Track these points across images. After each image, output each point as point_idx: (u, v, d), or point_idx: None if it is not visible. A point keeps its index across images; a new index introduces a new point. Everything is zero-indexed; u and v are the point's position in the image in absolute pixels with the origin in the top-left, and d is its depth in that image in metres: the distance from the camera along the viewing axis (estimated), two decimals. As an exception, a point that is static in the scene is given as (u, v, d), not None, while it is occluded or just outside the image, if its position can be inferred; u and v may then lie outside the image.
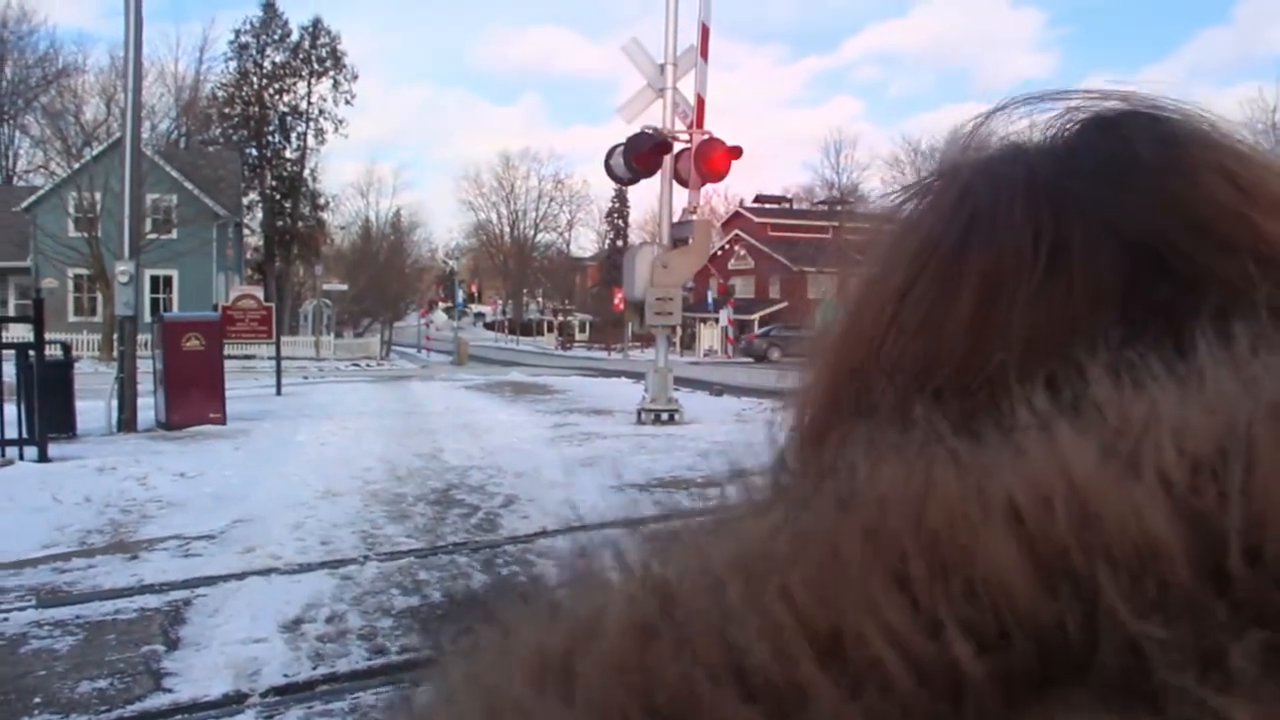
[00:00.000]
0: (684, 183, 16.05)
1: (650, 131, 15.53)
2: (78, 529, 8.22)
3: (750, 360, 46.02)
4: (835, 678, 0.27)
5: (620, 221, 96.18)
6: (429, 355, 55.93)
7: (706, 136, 15.59)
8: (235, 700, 4.86)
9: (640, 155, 15.36)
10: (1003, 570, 0.28)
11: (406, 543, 7.95)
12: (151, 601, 6.31)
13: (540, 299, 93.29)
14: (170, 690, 4.95)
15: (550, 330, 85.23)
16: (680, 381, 18.62)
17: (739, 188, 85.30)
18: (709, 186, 17.36)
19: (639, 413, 16.32)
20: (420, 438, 14.41)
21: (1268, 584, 0.26)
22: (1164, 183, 0.48)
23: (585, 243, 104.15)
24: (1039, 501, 0.29)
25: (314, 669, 5.24)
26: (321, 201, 54.27)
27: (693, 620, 0.29)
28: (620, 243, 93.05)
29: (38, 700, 4.78)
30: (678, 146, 15.74)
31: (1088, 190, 0.48)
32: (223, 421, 15.29)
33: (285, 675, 5.14)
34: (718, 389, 22.28)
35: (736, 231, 71.09)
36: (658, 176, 16.08)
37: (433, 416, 17.70)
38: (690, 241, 16.14)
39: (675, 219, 16.29)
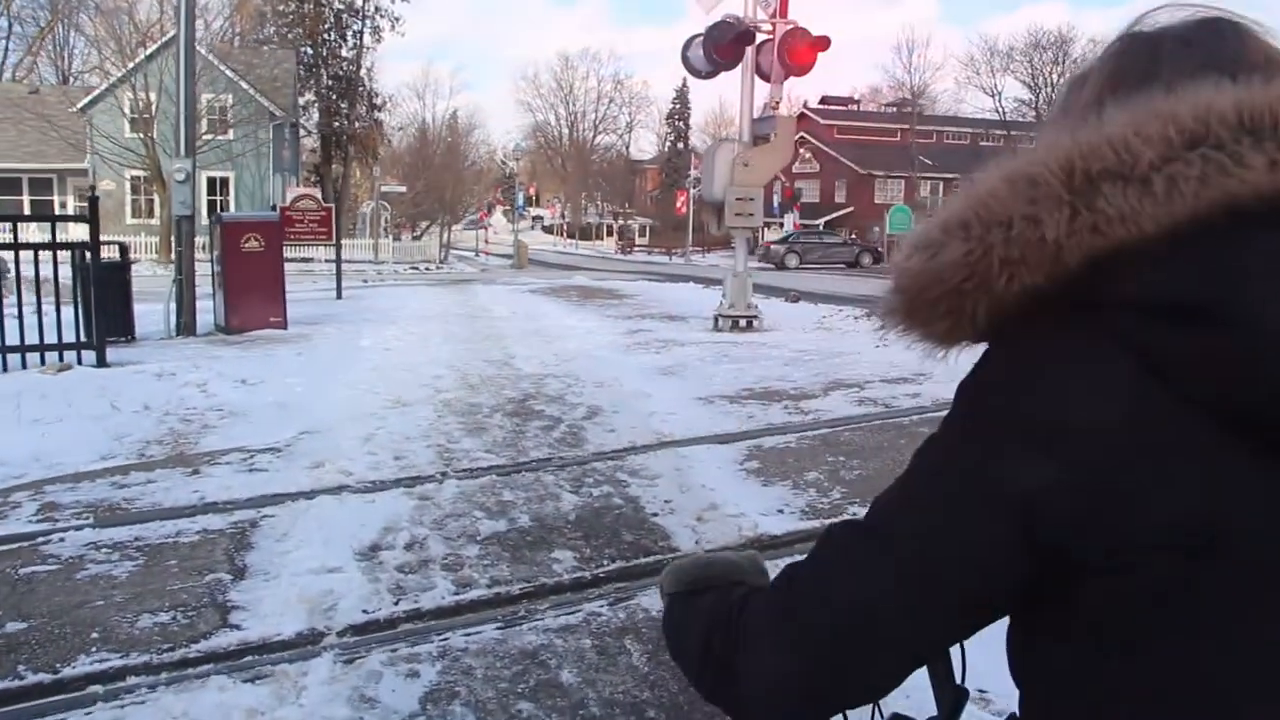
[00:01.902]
0: (765, 76, 15.08)
1: (732, 21, 14.54)
2: (136, 439, 7.72)
3: (770, 267, 44.17)
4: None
5: (681, 124, 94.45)
6: (487, 259, 55.41)
7: (791, 26, 14.57)
8: (310, 640, 4.30)
9: (721, 46, 14.40)
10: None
11: (486, 458, 7.34)
12: (215, 522, 5.76)
13: (599, 202, 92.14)
14: (238, 627, 4.40)
15: (609, 234, 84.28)
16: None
17: (804, 88, 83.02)
18: (787, 81, 16.28)
19: (716, 319, 15.60)
20: (489, 343, 13.83)
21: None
22: (1235, 44, 0.95)
23: (645, 145, 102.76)
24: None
25: (395, 604, 4.67)
26: (378, 102, 53.25)
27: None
28: (681, 145, 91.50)
29: (95, 635, 4.25)
30: (760, 37, 14.75)
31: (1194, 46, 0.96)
32: (284, 326, 14.80)
33: (364, 611, 4.57)
34: (794, 295, 21.43)
35: (802, 133, 69.17)
36: (737, 70, 15.12)
37: (499, 321, 17.12)
38: (772, 138, 15.25)
39: (756, 115, 15.37)
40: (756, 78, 15.11)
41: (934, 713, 1.22)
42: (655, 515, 6.00)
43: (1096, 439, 0.82)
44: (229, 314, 14.53)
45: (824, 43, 14.52)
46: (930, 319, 0.92)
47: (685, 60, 15.24)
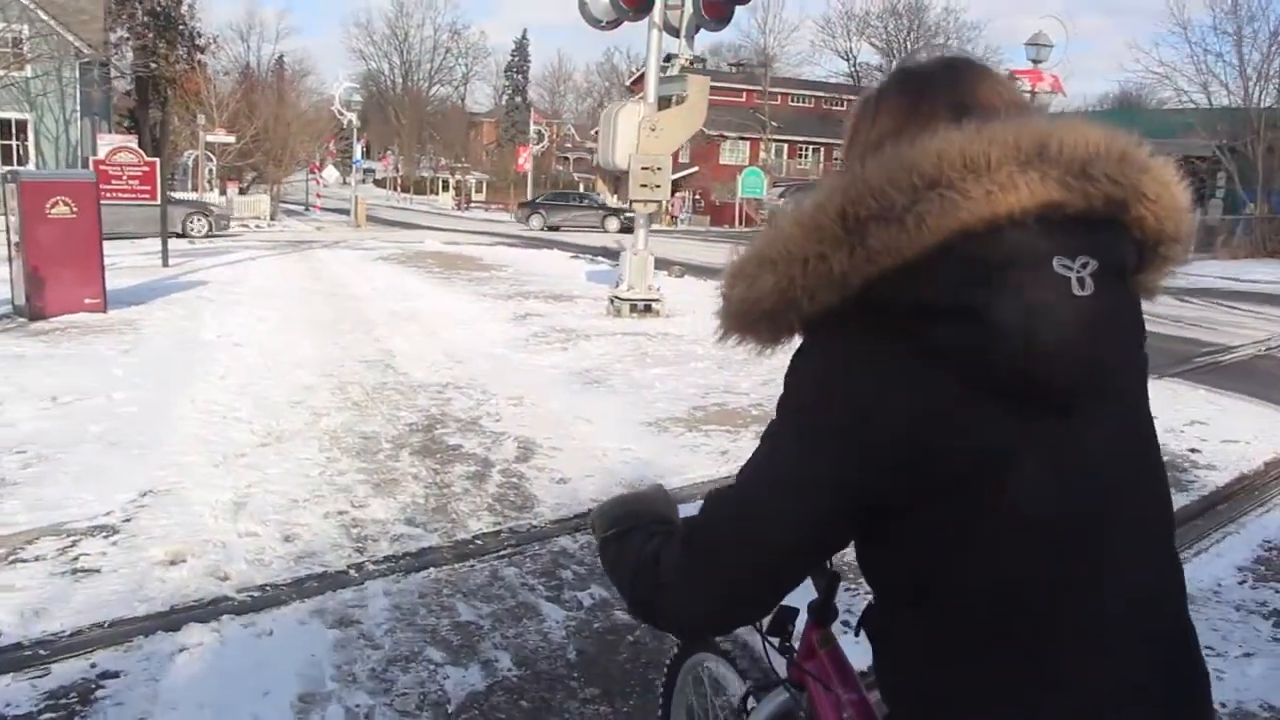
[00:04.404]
0: (674, 30, 13.27)
1: (642, -39, 12.61)
2: (-100, 507, 5.43)
3: (524, 226, 44.38)
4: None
5: (520, 77, 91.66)
6: (319, 214, 51.93)
7: (708, -30, 12.73)
8: None
9: (631, -9, 12.48)
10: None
11: (411, 535, 5.32)
12: (19, 698, 3.63)
13: (434, 156, 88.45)
14: None
15: (445, 189, 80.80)
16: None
17: (643, 46, 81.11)
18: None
19: (613, 300, 13.74)
20: (360, 335, 11.63)
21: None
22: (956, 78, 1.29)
23: (481, 97, 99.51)
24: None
25: None
26: (201, 43, 48.84)
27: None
28: (520, 99, 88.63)
29: None
30: (672, -16, 12.87)
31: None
32: (102, 308, 12.27)
33: None
34: (679, 270, 19.67)
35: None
36: (644, 23, 13.27)
37: (364, 302, 14.74)
38: (678, 101, 13.44)
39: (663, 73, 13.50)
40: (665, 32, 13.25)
41: (814, 597, 1.81)
42: (690, 651, 4.16)
43: (894, 414, 1.13)
44: (32, 293, 11.89)
45: (744, -8, 12.74)
46: (756, 331, 1.26)
47: (582, 8, 13.28)
